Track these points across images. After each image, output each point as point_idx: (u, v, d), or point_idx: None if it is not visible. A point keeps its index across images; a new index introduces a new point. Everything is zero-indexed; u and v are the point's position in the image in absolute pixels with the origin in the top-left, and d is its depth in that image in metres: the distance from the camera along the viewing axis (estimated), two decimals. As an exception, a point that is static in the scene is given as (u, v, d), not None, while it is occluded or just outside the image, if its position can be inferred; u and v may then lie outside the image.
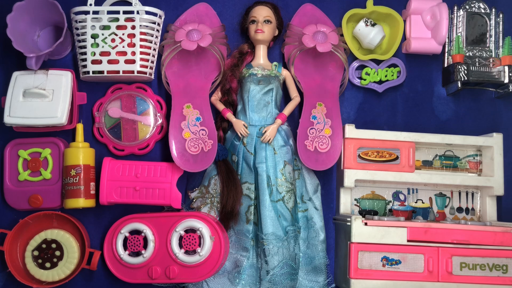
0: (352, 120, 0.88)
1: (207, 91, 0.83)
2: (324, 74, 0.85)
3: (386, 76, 0.86)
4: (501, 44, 0.87)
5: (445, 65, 0.88)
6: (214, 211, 0.80)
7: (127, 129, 0.84)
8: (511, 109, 0.89)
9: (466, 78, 0.84)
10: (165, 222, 0.78)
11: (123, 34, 0.80)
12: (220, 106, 0.83)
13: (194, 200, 0.82)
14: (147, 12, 0.81)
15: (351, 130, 0.83)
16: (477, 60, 0.86)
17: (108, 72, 0.80)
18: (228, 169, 0.80)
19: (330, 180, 0.86)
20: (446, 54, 0.88)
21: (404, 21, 0.88)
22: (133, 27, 0.80)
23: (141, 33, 0.80)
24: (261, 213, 0.78)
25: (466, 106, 0.89)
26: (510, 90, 0.85)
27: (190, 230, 0.78)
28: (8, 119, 0.78)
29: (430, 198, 0.87)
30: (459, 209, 0.87)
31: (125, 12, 0.80)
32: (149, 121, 0.84)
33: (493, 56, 0.87)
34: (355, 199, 0.86)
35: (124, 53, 0.80)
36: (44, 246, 0.80)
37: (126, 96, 0.84)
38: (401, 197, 0.87)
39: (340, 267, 0.81)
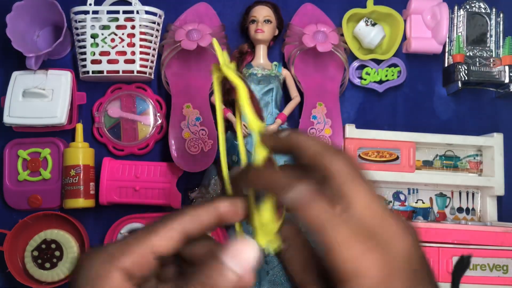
0: (352, 120, 0.88)
1: (207, 91, 0.83)
2: (324, 74, 0.85)
3: (386, 76, 0.86)
4: (501, 44, 0.87)
5: (446, 65, 0.88)
6: (214, 211, 0.80)
7: (126, 129, 0.84)
8: (511, 109, 0.89)
9: (466, 78, 0.84)
10: (165, 222, 0.78)
11: (122, 34, 0.80)
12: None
13: (194, 200, 0.82)
14: (147, 12, 0.81)
15: (351, 130, 0.83)
16: (477, 60, 0.86)
17: (108, 72, 0.80)
18: (228, 169, 0.80)
19: (330, 180, 0.86)
20: (446, 54, 0.88)
21: (405, 20, 0.88)
22: (133, 27, 0.80)
23: (141, 33, 0.80)
24: (261, 213, 0.77)
25: (466, 106, 0.89)
26: (511, 90, 0.85)
27: (190, 230, 0.78)
28: (7, 119, 0.78)
29: (431, 198, 0.87)
30: (460, 209, 0.87)
31: (124, 12, 0.80)
32: (149, 121, 0.83)
33: (493, 56, 0.86)
34: (355, 199, 0.86)
35: (123, 53, 0.80)
36: (43, 246, 0.80)
37: (126, 96, 0.84)
38: (402, 197, 0.87)
39: (340, 267, 0.81)
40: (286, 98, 0.85)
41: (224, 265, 0.27)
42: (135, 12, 0.80)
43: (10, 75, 0.80)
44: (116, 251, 0.28)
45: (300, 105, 0.84)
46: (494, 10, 0.87)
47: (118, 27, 0.80)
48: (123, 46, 0.80)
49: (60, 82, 0.80)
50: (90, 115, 0.85)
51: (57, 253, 0.80)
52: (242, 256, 0.27)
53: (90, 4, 0.80)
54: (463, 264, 0.75)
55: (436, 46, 0.86)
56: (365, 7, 0.86)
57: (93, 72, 0.80)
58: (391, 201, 0.87)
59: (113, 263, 0.27)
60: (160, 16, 0.82)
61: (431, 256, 0.76)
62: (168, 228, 0.29)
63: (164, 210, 0.82)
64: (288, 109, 0.82)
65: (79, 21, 0.80)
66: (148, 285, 0.30)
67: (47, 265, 0.79)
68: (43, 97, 0.79)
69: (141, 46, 0.80)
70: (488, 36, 0.87)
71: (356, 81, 0.87)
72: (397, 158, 0.83)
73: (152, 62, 0.83)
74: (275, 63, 0.83)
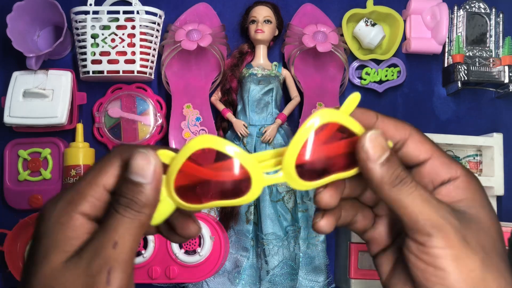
0: (352, 120, 0.87)
1: (207, 91, 0.83)
2: (324, 74, 0.85)
3: (386, 76, 0.86)
4: (501, 44, 0.87)
5: (445, 65, 0.88)
6: (214, 211, 0.80)
7: (127, 129, 0.84)
8: (511, 109, 0.89)
9: (466, 78, 0.84)
10: (165, 222, 0.78)
11: (123, 34, 0.80)
12: (220, 106, 0.83)
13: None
14: (147, 12, 0.81)
15: (351, 130, 0.83)
16: (477, 60, 0.86)
17: (108, 72, 0.80)
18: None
19: (330, 180, 0.86)
20: (446, 54, 0.88)
21: (404, 21, 0.88)
22: (133, 27, 0.80)
23: (141, 33, 0.80)
24: (261, 213, 0.78)
25: (466, 106, 0.89)
26: (510, 90, 0.85)
27: (190, 230, 0.78)
28: (8, 119, 0.78)
29: (430, 198, 0.87)
30: (459, 209, 0.87)
31: (125, 12, 0.80)
32: (149, 121, 0.84)
33: (493, 56, 0.86)
34: (355, 199, 0.86)
35: (124, 53, 0.80)
36: (44, 246, 0.80)
37: (126, 96, 0.84)
38: (401, 197, 0.87)
39: (340, 267, 0.81)
40: (286, 98, 0.85)
41: (130, 180, 0.30)
42: (135, 12, 0.80)
43: (10, 75, 0.80)
44: (74, 198, 0.30)
45: (300, 105, 0.84)
46: (494, 10, 0.88)
47: (118, 27, 0.80)
48: (123, 46, 0.80)
49: (61, 82, 0.80)
50: (91, 115, 0.85)
51: (57, 253, 0.80)
52: (142, 168, 0.30)
53: (91, 5, 0.81)
54: None
55: (435, 46, 0.86)
56: (365, 7, 0.87)
57: (94, 72, 0.80)
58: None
59: (73, 209, 0.30)
60: (160, 16, 0.83)
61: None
62: (112, 166, 0.32)
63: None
64: (288, 109, 0.83)
65: (80, 21, 0.80)
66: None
67: (48, 265, 0.80)
68: (43, 97, 0.79)
69: (141, 46, 0.80)
70: (487, 36, 0.87)
71: (356, 81, 0.87)
72: (397, 158, 0.83)
73: (152, 62, 0.83)
74: (275, 63, 0.84)
